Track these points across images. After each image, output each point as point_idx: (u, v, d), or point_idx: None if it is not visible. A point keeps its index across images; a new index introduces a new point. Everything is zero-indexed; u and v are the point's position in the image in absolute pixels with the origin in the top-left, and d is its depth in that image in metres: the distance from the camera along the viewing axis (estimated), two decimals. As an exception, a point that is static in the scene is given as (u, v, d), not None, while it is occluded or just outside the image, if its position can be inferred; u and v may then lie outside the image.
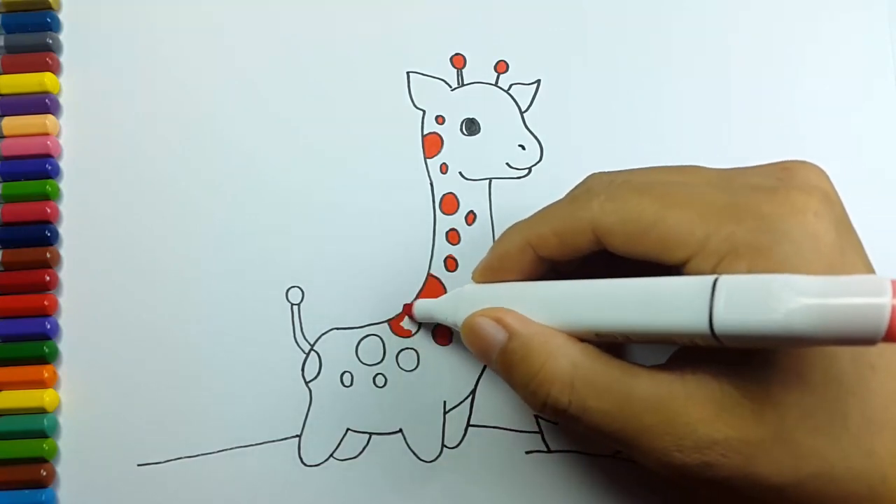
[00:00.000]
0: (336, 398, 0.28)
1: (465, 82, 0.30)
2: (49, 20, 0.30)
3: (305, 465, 0.28)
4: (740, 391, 0.19)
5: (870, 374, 0.19)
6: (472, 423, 0.28)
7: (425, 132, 0.29)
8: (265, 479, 0.27)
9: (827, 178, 0.21)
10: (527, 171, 0.29)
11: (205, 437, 0.28)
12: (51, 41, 0.29)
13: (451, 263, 0.28)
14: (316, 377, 0.28)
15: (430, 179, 0.29)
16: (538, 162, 0.29)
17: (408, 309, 0.28)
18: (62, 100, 0.30)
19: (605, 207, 0.21)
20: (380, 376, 0.28)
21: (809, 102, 0.29)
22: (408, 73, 0.30)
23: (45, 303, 0.28)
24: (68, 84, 0.30)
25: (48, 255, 0.28)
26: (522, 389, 0.22)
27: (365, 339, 0.28)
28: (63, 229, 0.29)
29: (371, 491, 0.27)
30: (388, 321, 0.28)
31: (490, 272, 0.24)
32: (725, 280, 0.18)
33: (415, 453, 0.28)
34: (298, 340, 0.28)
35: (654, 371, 0.21)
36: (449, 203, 0.29)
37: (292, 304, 0.28)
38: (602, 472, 0.27)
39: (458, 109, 0.29)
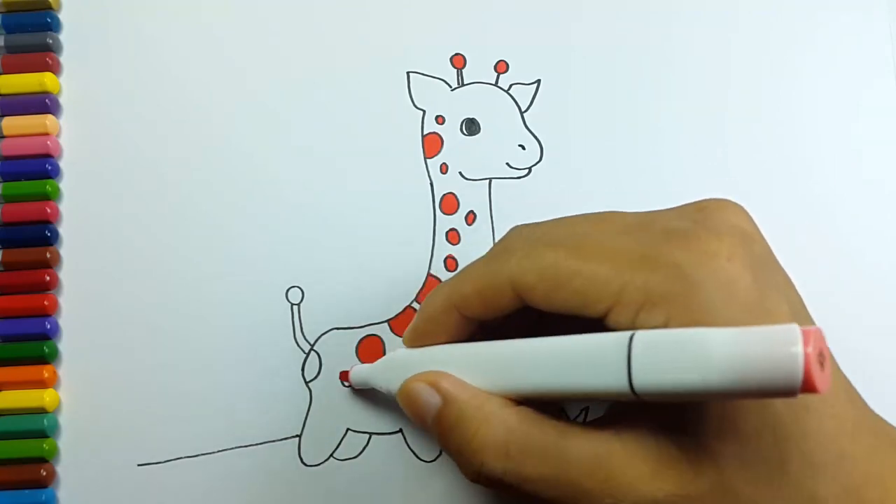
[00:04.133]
0: (336, 398, 0.28)
1: (465, 82, 0.30)
2: (49, 20, 0.29)
3: (305, 465, 0.28)
4: (677, 445, 0.19)
5: (804, 415, 0.19)
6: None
7: (425, 132, 0.29)
8: (265, 479, 0.27)
9: (745, 215, 0.21)
10: (527, 171, 0.29)
11: (205, 437, 0.28)
12: (51, 41, 0.29)
13: (451, 263, 0.28)
14: (316, 377, 0.28)
15: (430, 179, 0.29)
16: (538, 162, 0.29)
17: (344, 376, 0.28)
18: (62, 100, 0.30)
19: (523, 265, 0.21)
20: (380, 376, 0.28)
21: (809, 103, 0.29)
22: (408, 73, 0.30)
23: (45, 303, 0.28)
24: (68, 84, 0.30)
25: (48, 255, 0.28)
26: (457, 457, 0.22)
27: (365, 339, 0.28)
28: (63, 229, 0.29)
29: (371, 491, 0.27)
30: (388, 321, 0.28)
31: (419, 336, 0.24)
32: (641, 337, 0.18)
33: (415, 453, 0.28)
34: (298, 340, 0.28)
35: (591, 430, 0.20)
36: (449, 203, 0.29)
37: (292, 304, 0.28)
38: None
39: (458, 109, 0.29)
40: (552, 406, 0.22)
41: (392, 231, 0.29)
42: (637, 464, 0.19)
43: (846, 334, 0.28)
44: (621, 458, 0.19)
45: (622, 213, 0.22)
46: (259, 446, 0.28)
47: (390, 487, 0.27)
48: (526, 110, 0.29)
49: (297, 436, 0.28)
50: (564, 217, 0.23)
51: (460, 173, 0.29)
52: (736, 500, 0.19)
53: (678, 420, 0.19)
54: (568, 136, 0.29)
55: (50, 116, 0.29)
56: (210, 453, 0.28)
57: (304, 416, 0.28)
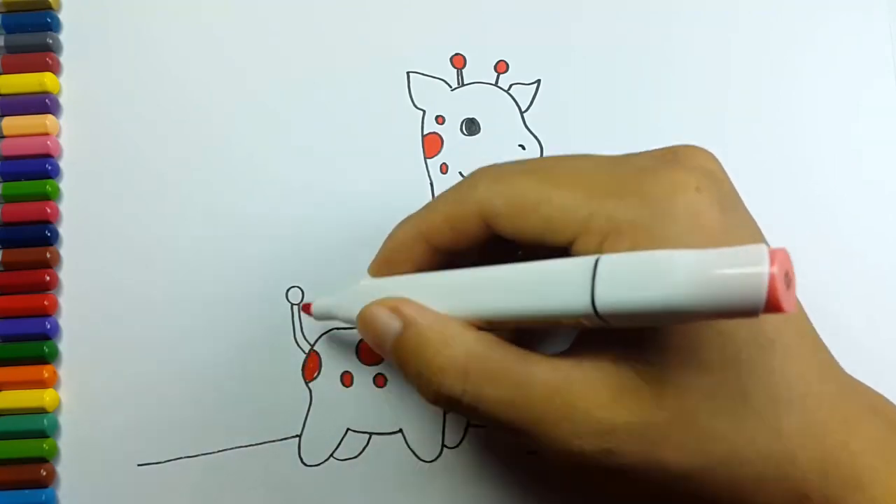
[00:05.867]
0: (336, 398, 0.28)
1: (465, 82, 0.30)
2: (49, 20, 0.30)
3: (305, 465, 0.28)
4: (639, 374, 0.19)
5: (770, 351, 0.19)
6: (472, 423, 0.28)
7: (425, 132, 0.29)
8: (265, 479, 0.27)
9: (714, 159, 0.21)
10: (527, 171, 0.29)
11: (205, 437, 0.28)
12: (51, 41, 0.29)
13: (451, 263, 0.28)
14: (316, 377, 0.28)
15: (430, 179, 0.29)
16: (538, 162, 0.29)
17: (307, 308, 0.27)
18: (62, 100, 0.30)
19: (491, 190, 0.21)
20: (380, 376, 0.28)
21: (809, 103, 0.29)
22: (408, 73, 0.30)
23: (45, 303, 0.28)
24: (68, 84, 0.30)
25: (48, 255, 0.28)
26: (416, 379, 0.21)
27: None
28: (63, 229, 0.29)
29: (371, 491, 0.27)
30: (388, 321, 0.28)
31: (385, 266, 0.24)
32: (607, 259, 0.17)
33: (415, 453, 0.28)
34: (298, 340, 0.28)
35: (553, 358, 0.20)
36: (449, 203, 0.29)
37: (292, 304, 0.28)
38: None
39: (458, 109, 0.29)
40: (519, 338, 0.21)
41: (392, 231, 0.29)
42: (596, 391, 0.19)
43: (846, 334, 0.28)
44: (580, 384, 0.19)
45: (595, 154, 0.22)
46: (259, 446, 0.28)
47: (390, 487, 0.27)
48: (526, 110, 0.29)
49: (297, 436, 0.28)
50: (535, 157, 0.23)
51: (460, 173, 0.29)
52: (697, 431, 0.19)
53: (641, 351, 0.19)
54: (568, 136, 0.29)
55: (50, 116, 0.29)
56: (210, 453, 0.28)
57: (304, 416, 0.28)
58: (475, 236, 0.22)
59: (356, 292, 0.24)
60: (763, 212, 0.29)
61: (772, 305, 0.15)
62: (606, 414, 0.19)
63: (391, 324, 0.22)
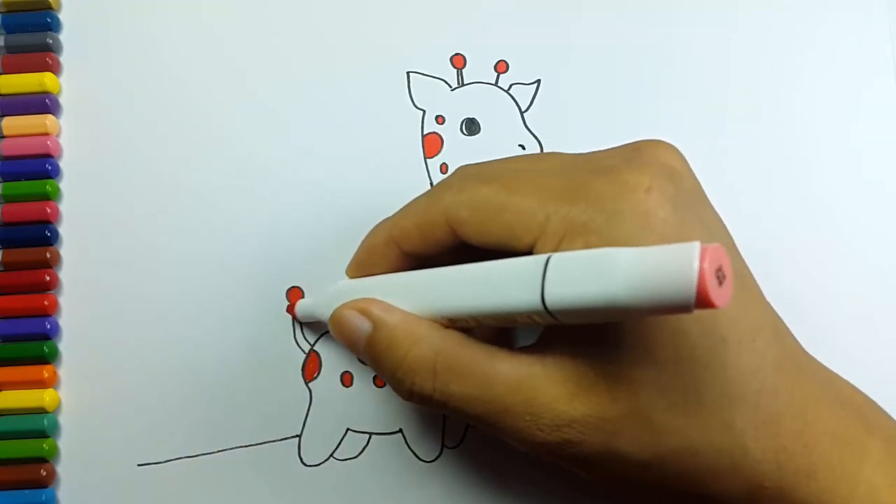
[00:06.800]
0: (336, 398, 0.28)
1: (465, 82, 0.30)
2: (49, 20, 0.29)
3: (305, 465, 0.28)
4: (595, 370, 0.20)
5: (722, 347, 0.19)
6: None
7: (425, 132, 0.29)
8: (265, 479, 0.27)
9: (677, 154, 0.22)
10: (527, 171, 0.29)
11: (205, 437, 0.28)
12: (51, 41, 0.29)
13: (451, 263, 0.28)
14: (316, 377, 0.28)
15: (431, 179, 0.29)
16: (538, 162, 0.29)
17: (291, 310, 0.28)
18: (62, 100, 0.30)
19: (457, 199, 0.22)
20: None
21: (809, 103, 0.29)
22: (408, 73, 0.30)
23: (45, 303, 0.28)
24: (68, 84, 0.30)
25: (48, 255, 0.28)
26: (390, 378, 0.22)
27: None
28: (63, 229, 0.29)
29: (371, 491, 0.27)
30: (388, 321, 0.28)
31: (360, 267, 0.25)
32: (557, 258, 0.18)
33: (415, 453, 0.28)
34: (298, 340, 0.28)
35: (517, 354, 0.21)
36: (449, 203, 0.29)
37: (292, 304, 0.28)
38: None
39: (458, 109, 0.29)
40: (493, 336, 0.22)
41: (392, 231, 0.29)
42: (556, 386, 0.20)
43: (846, 334, 0.28)
44: (542, 379, 0.20)
45: (562, 153, 0.23)
46: (259, 446, 0.28)
47: (390, 487, 0.27)
48: (526, 110, 0.29)
49: (297, 436, 0.28)
50: (507, 157, 0.24)
51: (460, 173, 0.29)
52: (650, 426, 0.20)
53: (599, 347, 0.20)
54: (568, 136, 0.29)
55: (50, 116, 0.29)
56: (210, 453, 0.28)
57: (304, 416, 0.28)
58: (443, 242, 0.23)
59: (332, 293, 0.25)
60: (763, 212, 0.29)
61: (702, 301, 0.15)
62: (565, 408, 0.20)
63: (361, 325, 0.22)
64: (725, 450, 0.19)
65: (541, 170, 0.22)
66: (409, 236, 0.23)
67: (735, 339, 0.19)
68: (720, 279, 0.15)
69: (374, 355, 0.22)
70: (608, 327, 0.20)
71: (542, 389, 0.20)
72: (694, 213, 0.20)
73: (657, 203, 0.19)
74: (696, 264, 0.15)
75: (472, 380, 0.21)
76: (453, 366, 0.21)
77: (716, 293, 0.15)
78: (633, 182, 0.20)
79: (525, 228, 0.20)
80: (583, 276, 0.17)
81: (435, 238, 0.23)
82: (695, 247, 0.15)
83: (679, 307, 0.16)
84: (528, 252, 0.20)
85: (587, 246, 0.19)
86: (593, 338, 0.20)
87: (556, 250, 0.20)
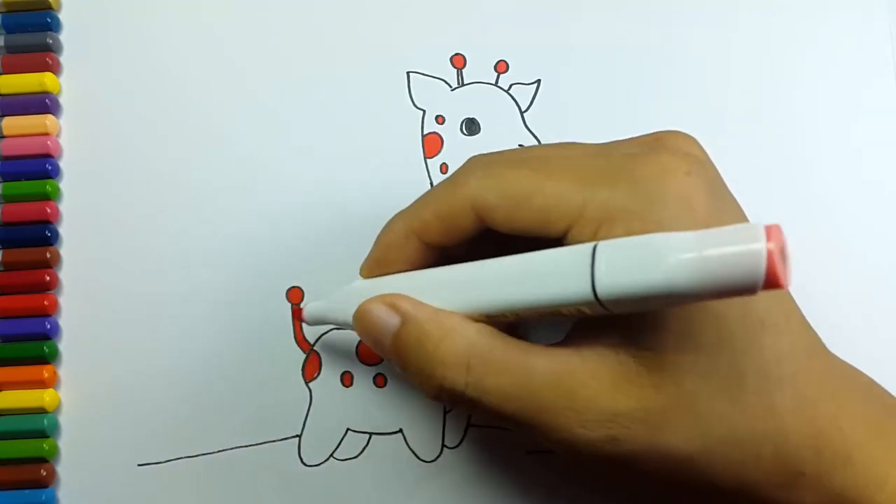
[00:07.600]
0: (336, 398, 0.28)
1: (465, 82, 0.30)
2: (49, 20, 0.30)
3: (305, 465, 0.28)
4: (637, 360, 0.19)
5: (760, 331, 0.19)
6: (472, 423, 0.28)
7: (425, 132, 0.29)
8: (265, 479, 0.27)
9: (698, 144, 0.21)
10: (527, 171, 0.29)
11: (205, 437, 0.28)
12: (51, 41, 0.29)
13: (451, 263, 0.28)
14: (316, 377, 0.28)
15: (431, 179, 0.29)
16: (538, 162, 0.29)
17: (298, 313, 0.27)
18: (62, 100, 0.30)
19: (483, 184, 0.21)
20: (380, 376, 0.28)
21: (809, 103, 0.29)
22: (408, 73, 0.30)
23: (45, 303, 0.28)
24: (68, 84, 0.30)
25: (48, 255, 0.28)
26: (417, 375, 0.21)
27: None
28: (63, 229, 0.29)
29: (371, 491, 0.27)
30: (388, 321, 0.28)
31: (377, 265, 0.23)
32: (604, 245, 0.17)
33: (415, 453, 0.28)
34: (298, 340, 0.28)
35: (552, 348, 0.20)
36: (449, 203, 0.29)
37: (292, 305, 0.28)
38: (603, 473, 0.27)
39: (458, 109, 0.29)
40: (514, 332, 0.21)
41: (392, 231, 0.29)
42: (597, 379, 0.19)
43: (846, 334, 0.28)
44: (582, 373, 0.19)
45: (578, 143, 0.22)
46: (259, 446, 0.28)
47: (390, 487, 0.27)
48: (526, 110, 0.29)
49: (297, 436, 0.28)
50: (522, 147, 0.23)
51: (460, 173, 0.29)
52: (695, 415, 0.19)
53: (638, 336, 0.19)
54: (568, 136, 0.29)
55: (50, 116, 0.29)
56: (210, 453, 0.28)
57: (304, 416, 0.28)
58: (467, 230, 0.22)
59: (350, 293, 0.24)
60: (763, 212, 0.29)
61: (771, 281, 0.15)
62: (608, 401, 0.19)
63: (389, 320, 0.21)
64: (768, 435, 0.19)
65: (569, 155, 0.21)
66: (431, 227, 0.22)
67: (772, 323, 0.19)
68: (784, 259, 0.15)
69: (401, 350, 0.21)
70: (647, 315, 0.19)
71: (582, 383, 0.19)
72: (725, 200, 0.20)
73: (696, 187, 0.19)
74: (765, 244, 0.15)
75: (509, 375, 0.20)
76: (488, 359, 0.20)
77: (783, 272, 0.15)
78: (672, 166, 0.19)
79: (560, 214, 0.19)
80: (637, 263, 0.17)
81: (459, 227, 0.21)
82: (760, 227, 0.15)
83: (745, 289, 0.15)
84: (561, 238, 0.20)
85: (629, 231, 0.18)
86: (631, 327, 0.19)
87: (594, 236, 0.19)
